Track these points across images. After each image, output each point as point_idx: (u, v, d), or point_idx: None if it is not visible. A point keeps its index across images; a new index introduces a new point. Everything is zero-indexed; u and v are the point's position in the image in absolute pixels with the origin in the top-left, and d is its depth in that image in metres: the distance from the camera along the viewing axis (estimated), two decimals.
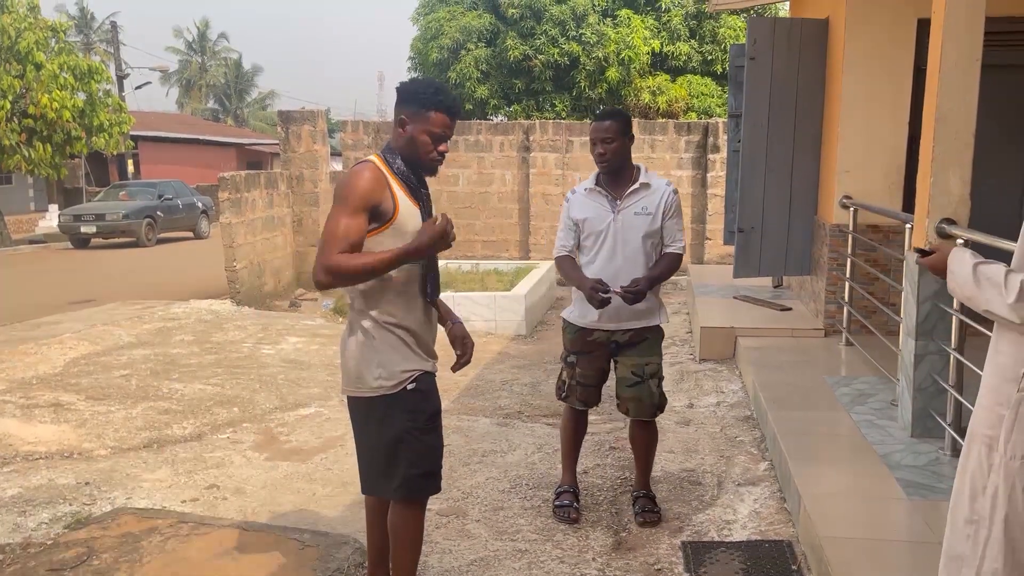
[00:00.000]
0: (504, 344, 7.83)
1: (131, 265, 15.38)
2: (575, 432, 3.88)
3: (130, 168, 28.04)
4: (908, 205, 6.10)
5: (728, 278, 8.74)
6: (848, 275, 5.97)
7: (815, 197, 6.85)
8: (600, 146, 3.54)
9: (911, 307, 4.02)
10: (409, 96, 2.53)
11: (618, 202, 3.56)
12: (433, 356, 2.66)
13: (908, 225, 4.33)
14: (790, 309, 7.18)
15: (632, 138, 3.60)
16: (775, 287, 8.32)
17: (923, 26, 5.81)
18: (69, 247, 18.92)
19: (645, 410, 3.66)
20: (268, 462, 4.49)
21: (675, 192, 3.62)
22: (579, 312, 3.65)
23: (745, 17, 18.19)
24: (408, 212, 2.52)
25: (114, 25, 28.62)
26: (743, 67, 7.72)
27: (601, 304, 3.39)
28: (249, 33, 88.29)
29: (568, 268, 3.62)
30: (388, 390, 2.52)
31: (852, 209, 5.90)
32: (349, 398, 2.62)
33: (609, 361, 3.70)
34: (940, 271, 2.16)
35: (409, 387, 2.53)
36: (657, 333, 3.68)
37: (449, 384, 6.07)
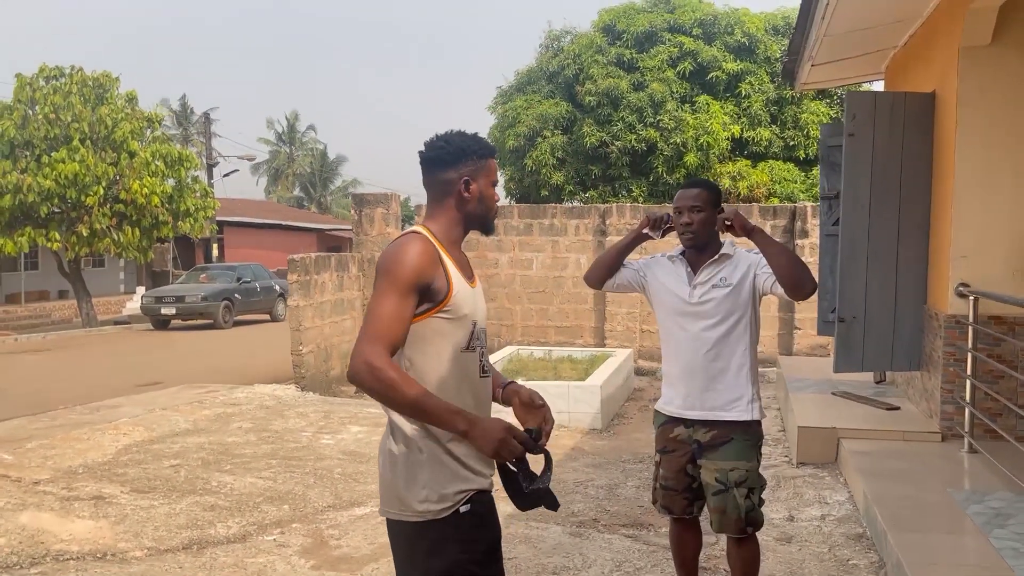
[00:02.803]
0: (578, 439, 7.28)
1: (205, 347, 15.45)
2: (678, 544, 3.38)
3: (215, 252, 28.86)
4: None
5: (823, 371, 8.07)
6: (969, 372, 5.28)
7: (924, 284, 6.22)
8: (687, 215, 3.14)
9: None
10: (460, 154, 2.21)
11: (695, 275, 3.16)
12: (491, 469, 2.20)
13: None
14: (898, 408, 6.45)
15: (721, 212, 3.18)
16: (877, 382, 7.58)
17: None
18: (150, 328, 19.29)
19: (730, 525, 3.12)
20: (314, 571, 4.03)
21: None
22: (665, 397, 3.28)
23: (842, 93, 17.83)
24: (463, 291, 2.16)
25: (206, 116, 30.02)
26: (837, 147, 7.28)
27: (656, 225, 3.22)
28: (335, 123, 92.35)
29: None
30: (436, 514, 2.06)
31: (971, 298, 5.26)
32: (389, 520, 2.17)
33: (693, 464, 3.18)
34: None
35: (462, 509, 2.07)
36: (747, 433, 3.13)
37: None
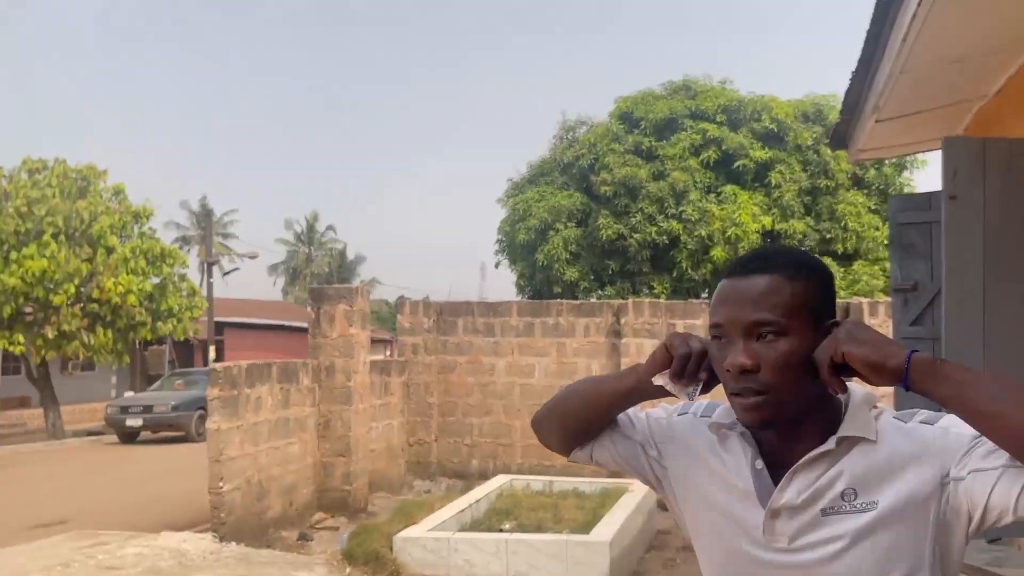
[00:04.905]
0: None
1: (161, 467, 13.45)
2: None
3: (212, 354, 27.26)
4: None
5: None
6: None
7: None
8: (743, 348, 1.18)
9: None
10: None
11: (779, 485, 1.23)
12: None
13: None
14: None
15: (835, 326, 1.20)
16: (990, 542, 5.52)
17: None
18: (117, 442, 17.35)
19: None
20: None
21: (977, 440, 1.17)
22: None
23: (880, 184, 16.36)
24: None
25: (209, 213, 29.14)
26: (913, 224, 5.73)
27: (687, 370, 1.24)
28: (354, 222, 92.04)
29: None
30: None
31: None
32: None
33: None
34: None
35: None
36: None
37: None
